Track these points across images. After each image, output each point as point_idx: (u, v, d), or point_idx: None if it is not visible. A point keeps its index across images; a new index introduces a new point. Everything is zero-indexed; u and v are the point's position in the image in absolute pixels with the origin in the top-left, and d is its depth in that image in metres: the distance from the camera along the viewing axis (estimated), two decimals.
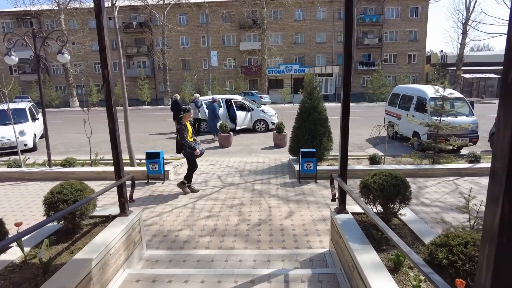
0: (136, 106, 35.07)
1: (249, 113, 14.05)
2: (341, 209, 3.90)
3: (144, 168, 7.55)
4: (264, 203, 5.78)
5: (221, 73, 41.16)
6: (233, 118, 14.08)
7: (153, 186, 7.01)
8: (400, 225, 3.58)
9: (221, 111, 13.89)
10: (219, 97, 14.54)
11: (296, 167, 7.41)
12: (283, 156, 9.83)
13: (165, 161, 9.04)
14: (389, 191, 3.34)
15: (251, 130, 14.34)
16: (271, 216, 5.20)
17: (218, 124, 13.10)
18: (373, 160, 8.12)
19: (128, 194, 4.24)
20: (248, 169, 8.18)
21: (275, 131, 11.50)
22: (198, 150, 6.24)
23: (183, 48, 41.66)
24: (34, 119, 12.85)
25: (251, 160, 9.29)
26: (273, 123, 14.25)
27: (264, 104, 22.86)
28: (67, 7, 33.77)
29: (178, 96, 14.77)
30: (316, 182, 6.94)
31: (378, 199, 3.45)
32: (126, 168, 7.76)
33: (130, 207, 4.19)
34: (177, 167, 8.03)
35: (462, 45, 33.16)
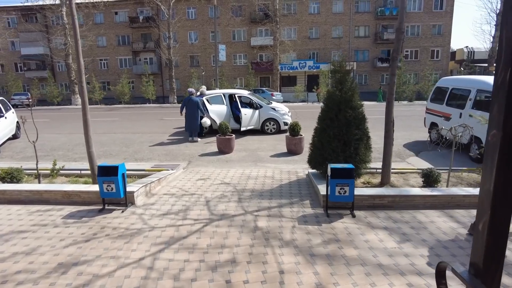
0: (140, 104, 33.11)
1: (257, 111, 11.65)
2: None
3: None
4: (272, 262, 3.39)
5: (230, 69, 38.88)
6: (237, 117, 11.71)
7: (107, 216, 4.70)
8: None
9: (224, 108, 11.55)
10: (221, 91, 12.21)
11: (321, 189, 5.00)
12: (299, 167, 7.43)
13: (141, 172, 6.80)
14: None
15: (259, 131, 11.95)
16: None
17: (204, 121, 10.81)
18: (429, 177, 5.63)
19: None
20: (251, 188, 5.80)
21: (288, 134, 9.10)
22: None
23: (191, 44, 39.57)
24: None
25: (257, 172, 6.91)
26: (285, 123, 11.82)
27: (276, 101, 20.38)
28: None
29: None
30: (354, 216, 4.51)
31: None
32: (74, 188, 5.47)
33: None
34: (150, 185, 5.70)
35: (496, 38, 29.94)
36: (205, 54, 39.45)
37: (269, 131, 11.93)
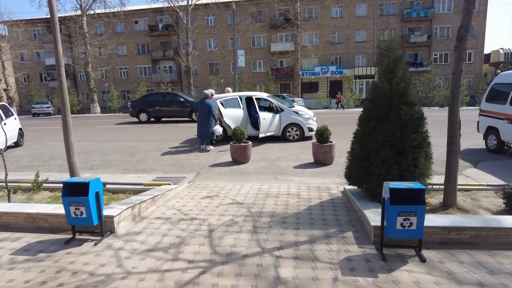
0: None
1: (277, 115, 10.27)
2: None
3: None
4: None
5: (250, 76, 37.87)
6: (255, 122, 10.37)
7: (73, 251, 3.43)
8: None
9: (240, 112, 10.24)
10: (237, 94, 10.94)
11: (371, 217, 3.53)
12: (331, 181, 5.97)
13: (137, 187, 5.56)
14: None
15: (280, 138, 10.55)
16: None
17: (216, 129, 9.49)
18: None
19: None
20: (271, 211, 4.40)
21: (315, 140, 7.65)
22: None
23: (210, 52, 38.97)
24: None
25: (278, 188, 5.51)
26: (310, 129, 10.38)
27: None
28: (90, 12, 32.18)
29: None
30: (424, 261, 3.02)
31: None
32: (39, 209, 4.24)
33: None
34: (140, 205, 4.40)
35: None
36: (224, 62, 38.68)
37: (291, 137, 10.51)
